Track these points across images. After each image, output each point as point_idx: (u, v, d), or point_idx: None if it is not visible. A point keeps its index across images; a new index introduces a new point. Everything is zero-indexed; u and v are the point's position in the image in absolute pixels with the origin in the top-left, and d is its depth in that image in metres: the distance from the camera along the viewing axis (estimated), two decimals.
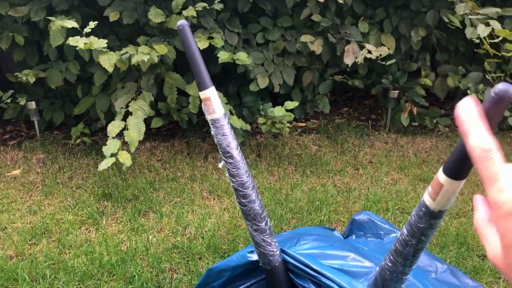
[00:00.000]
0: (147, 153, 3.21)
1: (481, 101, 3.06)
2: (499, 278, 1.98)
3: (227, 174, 1.22)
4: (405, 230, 0.85)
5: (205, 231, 2.35)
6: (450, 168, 0.74)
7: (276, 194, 2.72)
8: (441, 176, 0.76)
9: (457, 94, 4.11)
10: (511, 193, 0.42)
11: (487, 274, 1.99)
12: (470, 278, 1.72)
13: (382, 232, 1.83)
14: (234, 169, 1.19)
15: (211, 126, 1.19)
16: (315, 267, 1.21)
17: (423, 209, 0.80)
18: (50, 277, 2.00)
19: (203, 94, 1.16)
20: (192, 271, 2.05)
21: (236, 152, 1.20)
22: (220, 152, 1.21)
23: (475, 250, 2.16)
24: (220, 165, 1.24)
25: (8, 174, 2.94)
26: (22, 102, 3.24)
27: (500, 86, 0.62)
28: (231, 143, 1.19)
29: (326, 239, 1.50)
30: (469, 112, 0.53)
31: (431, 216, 0.80)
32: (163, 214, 2.49)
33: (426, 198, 0.80)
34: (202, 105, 1.18)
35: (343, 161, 3.14)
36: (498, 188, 0.43)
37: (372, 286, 0.97)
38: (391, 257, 0.89)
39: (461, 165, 0.73)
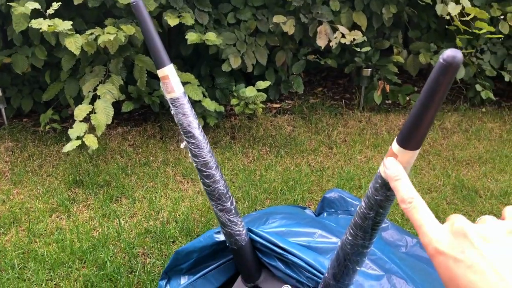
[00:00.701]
0: (119, 138, 3.15)
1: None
2: None
3: (189, 155, 1.19)
4: (363, 203, 0.84)
5: (179, 215, 2.33)
6: (404, 138, 0.73)
7: (251, 175, 2.71)
8: (395, 146, 0.75)
9: (429, 71, 4.14)
10: (431, 236, 0.50)
11: None
12: None
13: (352, 209, 1.84)
14: (197, 149, 1.17)
15: (170, 105, 1.15)
16: (281, 245, 1.20)
17: (379, 181, 0.79)
18: (19, 267, 1.96)
19: (161, 72, 1.13)
20: (166, 255, 2.03)
21: (197, 132, 1.17)
22: (182, 132, 1.18)
23: None
24: (182, 145, 1.22)
25: None
26: None
27: (449, 52, 0.61)
28: (192, 123, 1.16)
29: (295, 217, 1.49)
30: (394, 170, 0.62)
31: (387, 188, 0.79)
32: (135, 199, 2.46)
33: (382, 170, 0.79)
34: (161, 84, 1.14)
35: (317, 141, 3.14)
36: (422, 232, 0.51)
37: (335, 260, 0.96)
38: (351, 231, 0.89)
39: (414, 135, 0.72)
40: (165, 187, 2.58)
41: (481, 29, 3.14)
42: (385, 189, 0.79)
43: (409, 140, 0.73)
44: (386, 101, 3.70)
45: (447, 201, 2.39)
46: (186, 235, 2.16)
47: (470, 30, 3.18)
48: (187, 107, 1.15)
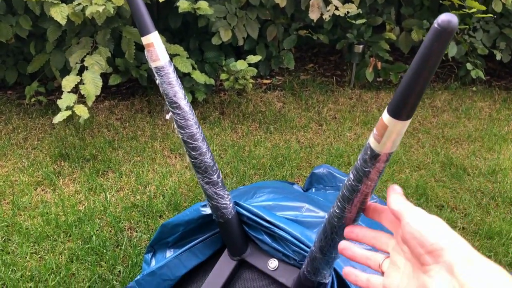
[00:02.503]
0: (106, 112, 3.10)
1: (444, 54, 3.05)
2: (455, 227, 2.03)
3: (175, 126, 1.16)
4: (351, 176, 0.82)
5: (166, 189, 2.30)
6: (394, 108, 0.71)
7: (239, 151, 2.68)
8: (385, 116, 0.73)
9: None
10: None
11: None
12: None
13: (340, 185, 1.83)
14: (182, 120, 1.14)
15: (155, 74, 1.12)
16: (268, 219, 1.19)
17: (368, 152, 0.77)
18: (2, 239, 1.93)
19: (145, 40, 1.08)
20: (152, 229, 2.01)
21: (183, 102, 1.14)
22: (167, 103, 1.15)
23: (433, 201, 2.19)
24: (167, 116, 1.18)
25: None
26: None
27: (443, 17, 0.58)
28: (178, 93, 1.13)
29: (282, 191, 1.48)
30: (398, 207, 0.67)
31: (376, 159, 0.77)
32: (122, 174, 2.43)
33: (371, 141, 0.77)
34: (145, 52, 1.10)
35: (307, 118, 3.11)
36: None
37: (322, 234, 0.95)
38: (339, 204, 0.87)
39: (405, 104, 0.70)
40: (152, 162, 2.55)
41: (471, 8, 3.10)
42: (374, 160, 0.77)
43: (400, 110, 0.70)
44: (377, 79, 3.68)
45: (436, 179, 2.39)
46: (173, 209, 2.14)
47: (465, 5, 3.14)
48: (173, 77, 1.12)
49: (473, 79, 3.60)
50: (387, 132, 0.73)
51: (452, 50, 3.40)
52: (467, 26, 3.44)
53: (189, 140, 1.15)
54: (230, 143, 2.77)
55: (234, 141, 2.80)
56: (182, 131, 1.14)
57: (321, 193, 1.78)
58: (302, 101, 3.34)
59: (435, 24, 0.58)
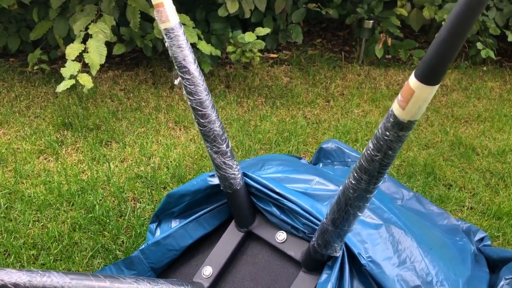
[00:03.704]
0: (110, 82, 3.05)
1: None
2: (463, 207, 2.00)
3: (184, 92, 1.12)
4: (370, 145, 0.79)
5: (170, 161, 2.27)
6: (423, 72, 0.67)
7: (245, 125, 2.64)
8: (412, 81, 0.69)
9: (431, 28, 4.03)
10: None
11: (452, 203, 2.00)
12: (435, 205, 1.72)
13: (349, 160, 1.80)
14: (192, 86, 1.10)
15: (164, 36, 1.07)
16: (278, 190, 1.16)
17: (391, 119, 0.73)
18: (5, 206, 1.91)
19: (155, 0, 1.03)
20: (156, 201, 1.99)
21: (193, 67, 1.09)
22: (176, 67, 1.10)
23: (441, 180, 2.16)
24: (176, 81, 1.15)
25: None
26: None
27: None
28: (188, 57, 1.08)
29: (291, 164, 1.44)
30: None
31: (400, 127, 0.73)
32: (126, 144, 2.39)
33: (395, 108, 0.73)
34: (154, 12, 1.05)
35: (314, 93, 3.06)
36: None
37: (335, 206, 0.92)
38: (355, 175, 0.83)
39: (434, 68, 0.66)
40: (156, 133, 2.52)
41: None
42: (396, 129, 0.74)
43: (430, 75, 0.66)
44: (387, 56, 3.61)
45: (444, 158, 2.35)
46: (177, 181, 2.11)
47: None
48: (183, 39, 1.07)
49: (483, 58, 3.52)
50: (414, 98, 0.69)
51: None
52: None
53: (198, 107, 1.11)
54: (236, 117, 2.73)
55: (239, 115, 2.76)
56: (191, 97, 1.10)
57: (329, 168, 1.75)
58: (310, 76, 3.28)
59: None
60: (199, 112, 1.11)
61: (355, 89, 3.13)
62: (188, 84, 1.09)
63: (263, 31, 2.80)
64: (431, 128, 2.64)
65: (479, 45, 3.46)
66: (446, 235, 1.49)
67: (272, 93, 3.03)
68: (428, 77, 0.66)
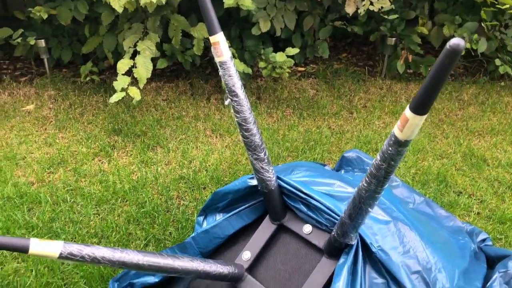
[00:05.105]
0: (153, 92, 3.37)
1: (474, 50, 3.17)
2: (471, 212, 2.22)
3: (232, 111, 1.40)
4: (378, 157, 1.05)
5: (209, 165, 2.56)
6: (414, 106, 0.93)
7: (274, 134, 2.91)
8: (407, 112, 0.95)
9: None
10: None
11: (460, 208, 2.22)
12: (443, 209, 1.96)
13: (368, 168, 2.05)
14: (239, 106, 1.38)
15: (219, 67, 1.36)
16: (305, 191, 1.42)
17: (392, 138, 1.00)
18: (70, 201, 2.23)
19: (212, 39, 1.32)
20: (197, 199, 2.28)
21: (240, 91, 1.38)
22: (227, 91, 1.39)
23: (452, 187, 2.38)
24: (226, 102, 1.42)
25: (23, 109, 3.12)
26: (32, 42, 3.36)
27: (454, 41, 0.81)
28: (236, 83, 1.37)
29: (317, 170, 1.71)
30: None
31: (399, 144, 0.99)
32: (170, 149, 2.70)
33: (395, 130, 1.00)
34: (212, 49, 1.34)
35: (339, 105, 3.31)
36: None
37: (351, 203, 1.18)
38: (367, 179, 1.10)
39: (422, 104, 0.92)
40: (196, 140, 2.81)
41: (504, 4, 3.21)
42: (397, 145, 1.00)
43: (419, 108, 0.92)
44: (408, 71, 3.83)
45: (456, 168, 2.57)
46: (215, 183, 2.39)
47: (496, 2, 3.26)
48: (233, 70, 1.36)
49: (501, 74, 3.71)
50: (408, 124, 0.96)
51: (482, 46, 3.52)
52: (497, 24, 3.55)
53: (242, 123, 1.39)
54: (266, 126, 3.01)
55: (269, 125, 3.03)
56: (237, 115, 1.39)
57: (349, 174, 2.01)
58: (335, 89, 3.54)
59: (447, 46, 0.80)
60: (243, 127, 1.39)
61: (377, 102, 3.37)
62: (236, 105, 1.37)
63: (292, 51, 3.08)
64: (446, 140, 2.86)
65: (497, 61, 3.65)
66: (450, 234, 1.73)
67: (299, 104, 3.30)
68: (418, 110, 0.92)
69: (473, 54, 3.74)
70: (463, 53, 3.50)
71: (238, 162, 2.60)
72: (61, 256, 1.07)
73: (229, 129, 2.93)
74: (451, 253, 1.53)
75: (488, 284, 1.56)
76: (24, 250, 1.02)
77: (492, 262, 1.73)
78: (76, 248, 1.10)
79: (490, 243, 1.86)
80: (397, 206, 1.54)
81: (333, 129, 3.01)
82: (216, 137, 2.87)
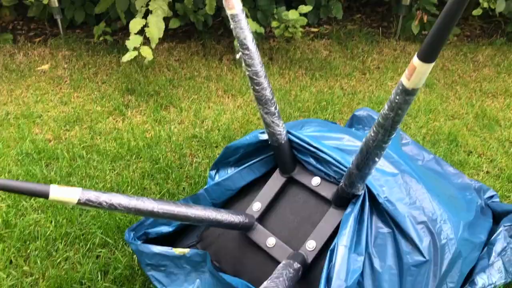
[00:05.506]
0: (166, 53, 3.38)
1: (492, 9, 3.09)
2: (480, 171, 2.24)
3: (243, 64, 1.42)
4: (386, 106, 1.07)
5: (221, 125, 2.60)
6: (422, 53, 0.94)
7: (286, 95, 2.92)
8: (415, 60, 0.96)
9: (469, 4, 4.12)
10: None
11: (470, 167, 2.24)
12: (452, 167, 1.98)
13: None
14: (250, 60, 1.39)
15: (230, 20, 1.37)
16: (315, 145, 1.45)
17: (400, 87, 1.02)
18: (86, 157, 2.29)
19: None
20: (210, 157, 2.32)
21: (251, 45, 1.39)
22: (238, 44, 1.40)
23: (463, 147, 2.39)
24: (238, 56, 1.44)
25: (38, 68, 3.17)
26: (45, 2, 3.37)
27: None
28: (248, 36, 1.38)
29: (327, 125, 1.73)
30: None
31: (406, 93, 1.01)
32: (182, 109, 2.73)
33: (403, 79, 1.01)
34: (223, 1, 1.35)
35: (352, 66, 3.30)
36: None
37: (359, 153, 1.21)
38: (374, 129, 1.12)
39: (431, 50, 0.93)
40: (208, 100, 2.84)
41: None
42: (404, 94, 1.01)
43: (427, 55, 0.93)
44: (423, 32, 3.77)
45: (468, 128, 2.57)
46: (227, 142, 2.43)
47: None
48: (244, 23, 1.37)
49: None
50: (415, 72, 0.97)
51: (501, 5, 3.44)
52: None
53: (254, 77, 1.41)
54: (278, 87, 3.01)
55: (281, 85, 3.04)
56: (248, 69, 1.41)
57: (359, 132, 2.02)
58: (348, 50, 3.51)
59: None
60: (255, 81, 1.41)
61: (390, 63, 3.34)
62: (247, 58, 1.39)
63: (305, 9, 3.05)
64: (459, 101, 2.85)
65: None
66: (457, 190, 1.75)
67: (312, 65, 3.29)
68: (425, 57, 0.93)
69: (490, 14, 3.66)
70: (479, 12, 3.44)
71: (249, 122, 2.63)
72: (79, 202, 1.12)
73: (241, 89, 2.95)
74: (457, 207, 1.56)
75: (493, 237, 1.60)
76: (44, 195, 1.07)
77: (499, 217, 1.76)
78: (93, 195, 1.15)
79: (497, 199, 1.89)
80: (405, 161, 1.57)
81: (345, 89, 3.01)
82: (228, 97, 2.90)
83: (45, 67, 3.18)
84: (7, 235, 1.79)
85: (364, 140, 1.18)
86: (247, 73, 1.42)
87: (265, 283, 1.19)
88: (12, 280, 1.61)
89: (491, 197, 1.88)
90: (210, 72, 3.15)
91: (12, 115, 2.63)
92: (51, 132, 2.50)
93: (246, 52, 1.39)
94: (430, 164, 1.94)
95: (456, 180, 1.89)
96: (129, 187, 2.10)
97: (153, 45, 2.81)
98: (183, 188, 2.10)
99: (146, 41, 2.83)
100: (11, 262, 1.70)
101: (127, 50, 2.78)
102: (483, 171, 2.23)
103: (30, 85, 2.96)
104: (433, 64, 0.95)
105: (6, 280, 1.61)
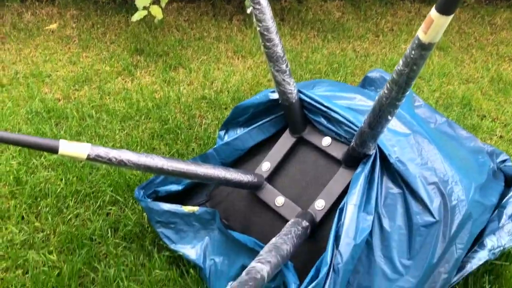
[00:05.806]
0: (175, 13, 3.32)
1: None
2: (494, 135, 2.20)
3: (254, 19, 1.38)
4: (400, 62, 1.04)
5: (230, 86, 2.57)
6: (440, 5, 0.90)
7: (297, 56, 2.87)
8: (432, 12, 0.92)
9: None
10: None
11: (483, 131, 2.21)
12: (465, 130, 1.95)
13: None
14: (261, 14, 1.35)
15: None
16: (326, 104, 1.43)
17: (416, 41, 0.98)
18: (95, 116, 2.29)
19: None
20: (219, 118, 2.31)
21: None
22: None
23: (476, 111, 2.35)
24: (248, 10, 1.41)
25: (46, 28, 3.13)
26: None
27: None
28: None
29: (339, 85, 1.70)
30: None
31: (422, 48, 0.97)
32: (191, 70, 2.70)
33: (419, 33, 0.97)
34: None
35: (365, 28, 3.22)
36: None
37: (371, 111, 1.18)
38: (388, 86, 1.09)
39: (450, 1, 0.89)
40: (217, 61, 2.80)
41: None
42: (420, 49, 0.98)
43: (445, 7, 0.89)
44: None
45: (482, 92, 2.52)
46: (237, 103, 2.40)
47: None
48: None
49: None
50: (433, 25, 0.93)
51: None
52: None
53: (265, 32, 1.37)
54: (289, 48, 2.96)
55: (292, 47, 2.99)
56: (259, 24, 1.37)
57: (372, 93, 1.99)
58: (361, 12, 3.42)
59: None
60: (266, 37, 1.37)
61: (404, 26, 3.26)
62: (258, 13, 1.35)
63: None
64: (474, 64, 2.78)
65: None
66: (469, 153, 1.73)
67: (324, 27, 3.22)
68: (443, 9, 0.89)
69: None
70: None
71: (259, 84, 2.59)
72: (89, 158, 1.12)
73: (251, 50, 2.90)
74: (469, 169, 1.53)
75: (504, 200, 1.58)
76: (54, 150, 1.06)
77: (511, 181, 1.74)
78: (103, 151, 1.14)
79: (510, 163, 1.86)
80: (418, 122, 1.54)
81: (358, 51, 2.95)
82: (238, 58, 2.85)
83: (53, 26, 3.15)
84: (19, 192, 1.81)
85: (377, 97, 1.15)
86: (258, 28, 1.38)
87: (273, 239, 1.20)
88: (24, 235, 1.64)
89: (504, 161, 1.85)
90: (220, 32, 3.09)
91: (21, 74, 2.61)
92: (60, 91, 2.49)
93: (257, 6, 1.34)
94: (442, 127, 1.91)
95: (468, 143, 1.86)
96: (138, 147, 2.09)
97: (163, 4, 2.76)
98: (192, 148, 2.09)
99: (156, 1, 2.78)
100: (23, 218, 1.72)
101: (135, 10, 2.74)
102: (496, 135, 2.19)
103: (39, 44, 2.94)
104: (451, 17, 0.91)
105: (18, 235, 1.63)
